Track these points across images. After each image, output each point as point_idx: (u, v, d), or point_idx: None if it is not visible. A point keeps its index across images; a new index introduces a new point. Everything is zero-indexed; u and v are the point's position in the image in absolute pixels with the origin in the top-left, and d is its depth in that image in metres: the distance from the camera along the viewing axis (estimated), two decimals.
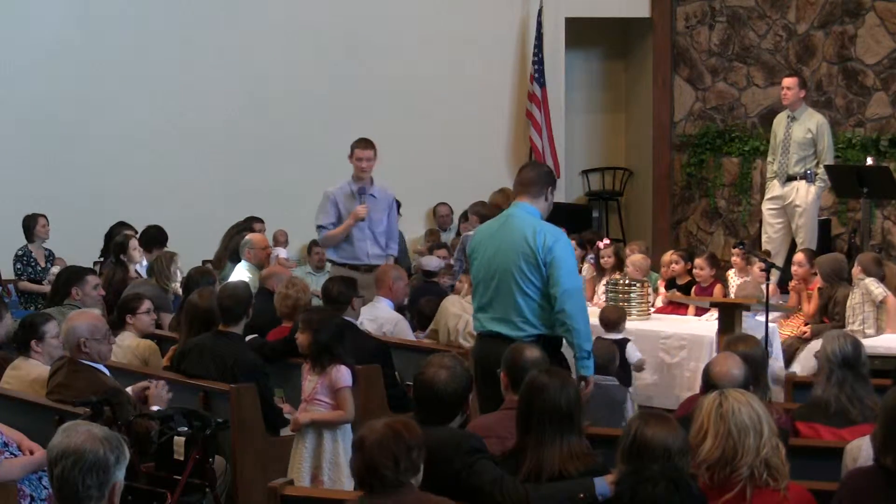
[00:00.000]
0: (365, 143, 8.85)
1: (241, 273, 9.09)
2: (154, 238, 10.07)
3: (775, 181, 10.31)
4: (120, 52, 12.05)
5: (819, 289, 8.86)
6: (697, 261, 9.46)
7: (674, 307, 9.24)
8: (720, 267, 9.54)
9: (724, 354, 4.99)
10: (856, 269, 8.44)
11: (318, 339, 5.80)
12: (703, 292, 9.24)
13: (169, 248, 11.05)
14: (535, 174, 5.89)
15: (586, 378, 5.65)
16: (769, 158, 10.53)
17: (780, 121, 10.36)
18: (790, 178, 10.18)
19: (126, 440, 3.62)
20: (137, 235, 10.01)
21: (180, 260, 9.05)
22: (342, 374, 5.79)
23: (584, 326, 5.66)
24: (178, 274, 8.80)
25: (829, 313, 8.67)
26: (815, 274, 8.86)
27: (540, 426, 4.26)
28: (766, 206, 10.45)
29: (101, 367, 6.01)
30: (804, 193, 10.13)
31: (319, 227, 8.86)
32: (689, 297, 9.24)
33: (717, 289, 9.17)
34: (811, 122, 10.12)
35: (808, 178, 10.10)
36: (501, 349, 5.24)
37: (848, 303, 8.41)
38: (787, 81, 10.26)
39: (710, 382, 4.69)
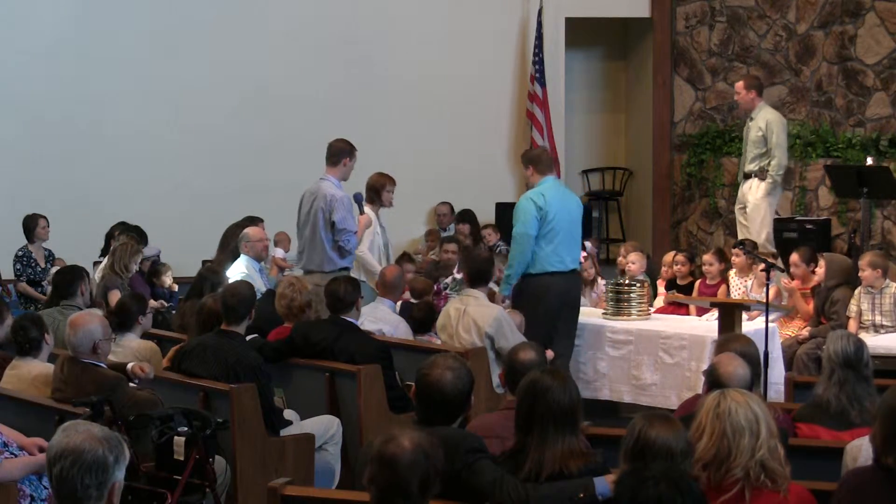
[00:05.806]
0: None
1: (239, 267, 9.06)
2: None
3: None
4: (119, 52, 12.06)
5: (813, 288, 8.84)
6: (706, 256, 9.48)
7: (674, 307, 9.23)
8: (727, 261, 9.55)
9: (727, 355, 4.96)
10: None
11: None
12: (709, 289, 9.23)
13: (168, 247, 11.09)
14: (549, 157, 8.38)
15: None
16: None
17: (745, 123, 10.56)
18: (746, 177, 10.38)
19: (126, 440, 3.61)
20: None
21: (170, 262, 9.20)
22: None
23: None
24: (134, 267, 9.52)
25: (826, 313, 8.65)
26: (813, 272, 8.86)
27: (543, 426, 4.24)
28: (736, 208, 10.65)
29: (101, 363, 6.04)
30: (754, 190, 10.27)
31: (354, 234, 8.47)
32: (689, 297, 9.23)
33: (722, 289, 9.15)
34: (762, 121, 10.25)
35: (760, 175, 10.22)
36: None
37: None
38: (736, 86, 10.52)
39: (717, 383, 4.66)
